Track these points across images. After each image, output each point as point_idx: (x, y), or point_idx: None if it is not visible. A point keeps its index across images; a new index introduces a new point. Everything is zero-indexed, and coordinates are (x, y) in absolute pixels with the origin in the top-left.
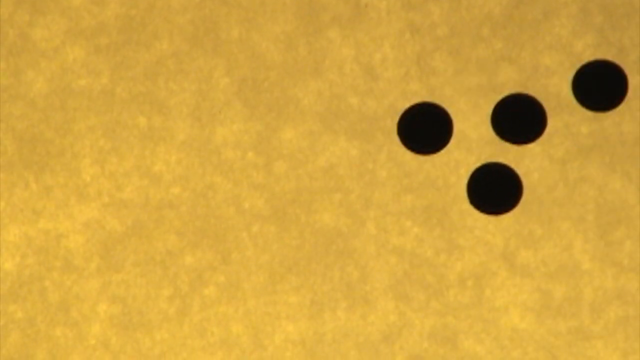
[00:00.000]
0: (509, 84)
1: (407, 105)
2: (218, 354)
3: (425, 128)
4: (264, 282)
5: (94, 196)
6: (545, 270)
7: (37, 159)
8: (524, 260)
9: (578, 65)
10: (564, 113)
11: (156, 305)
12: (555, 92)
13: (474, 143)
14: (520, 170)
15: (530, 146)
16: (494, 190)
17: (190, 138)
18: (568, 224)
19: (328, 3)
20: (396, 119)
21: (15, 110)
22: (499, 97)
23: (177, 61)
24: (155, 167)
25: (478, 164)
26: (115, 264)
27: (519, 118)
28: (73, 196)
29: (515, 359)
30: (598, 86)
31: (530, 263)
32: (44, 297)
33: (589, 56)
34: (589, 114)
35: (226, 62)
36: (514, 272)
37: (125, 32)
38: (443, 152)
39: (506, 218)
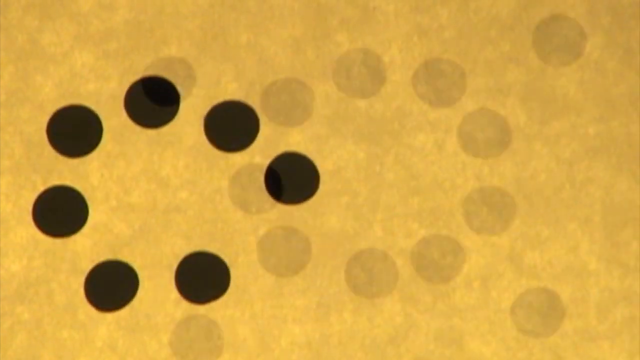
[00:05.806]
0: (517, 85)
1: (413, 107)
2: (225, 356)
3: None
4: (270, 285)
5: (101, 200)
6: (552, 271)
7: (45, 162)
8: (530, 261)
9: (586, 67)
10: (571, 114)
11: (163, 308)
12: (562, 94)
13: (481, 144)
14: (526, 172)
15: (537, 147)
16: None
17: (198, 143)
18: (574, 224)
19: (336, 7)
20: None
21: (24, 114)
22: (506, 99)
23: (186, 66)
24: (162, 172)
25: (485, 165)
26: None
27: None
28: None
29: None
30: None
31: (536, 264)
32: (51, 300)
33: (596, 57)
34: (596, 114)
35: (234, 67)
36: (520, 273)
37: (134, 37)
38: (449, 154)
39: (512, 219)
